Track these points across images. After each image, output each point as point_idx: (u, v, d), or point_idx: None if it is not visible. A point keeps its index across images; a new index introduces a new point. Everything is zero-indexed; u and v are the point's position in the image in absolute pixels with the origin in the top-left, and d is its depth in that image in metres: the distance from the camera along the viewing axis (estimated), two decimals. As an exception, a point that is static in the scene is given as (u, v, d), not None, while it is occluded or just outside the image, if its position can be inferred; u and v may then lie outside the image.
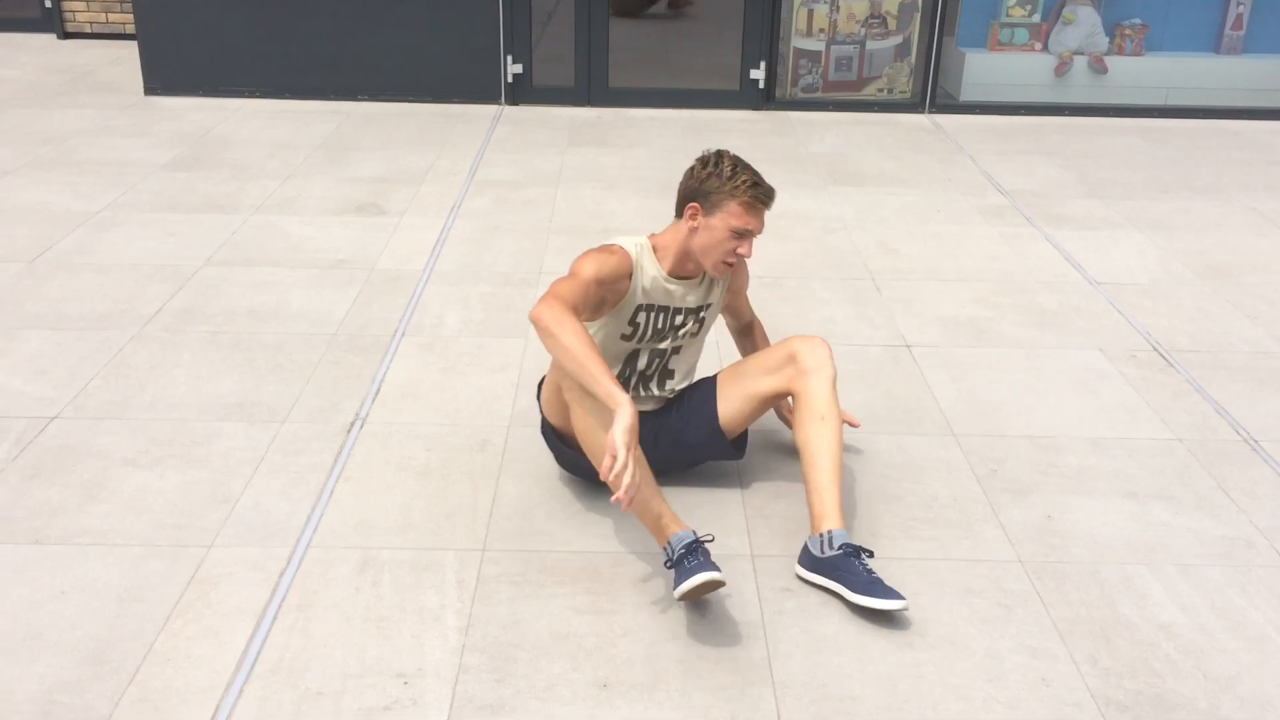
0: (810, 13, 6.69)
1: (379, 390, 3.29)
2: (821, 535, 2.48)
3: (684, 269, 2.68)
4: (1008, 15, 6.80)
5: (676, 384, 2.84)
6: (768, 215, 2.64)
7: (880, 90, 6.84)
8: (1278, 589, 2.53)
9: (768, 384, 2.74)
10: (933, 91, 6.80)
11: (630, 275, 2.61)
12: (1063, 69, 6.81)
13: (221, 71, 6.58)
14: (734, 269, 2.74)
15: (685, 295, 2.71)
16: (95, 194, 4.88)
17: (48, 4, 8.03)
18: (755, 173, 2.59)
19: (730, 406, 2.78)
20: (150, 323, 3.67)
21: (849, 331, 3.80)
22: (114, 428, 3.02)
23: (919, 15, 6.70)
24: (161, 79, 6.58)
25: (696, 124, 6.46)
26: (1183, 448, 3.11)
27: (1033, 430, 3.19)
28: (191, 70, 6.57)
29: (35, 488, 2.74)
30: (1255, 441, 3.15)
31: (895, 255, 4.49)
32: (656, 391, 2.82)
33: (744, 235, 2.56)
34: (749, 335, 3.09)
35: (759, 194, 2.56)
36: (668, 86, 7.01)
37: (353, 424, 3.10)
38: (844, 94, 6.84)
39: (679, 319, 2.72)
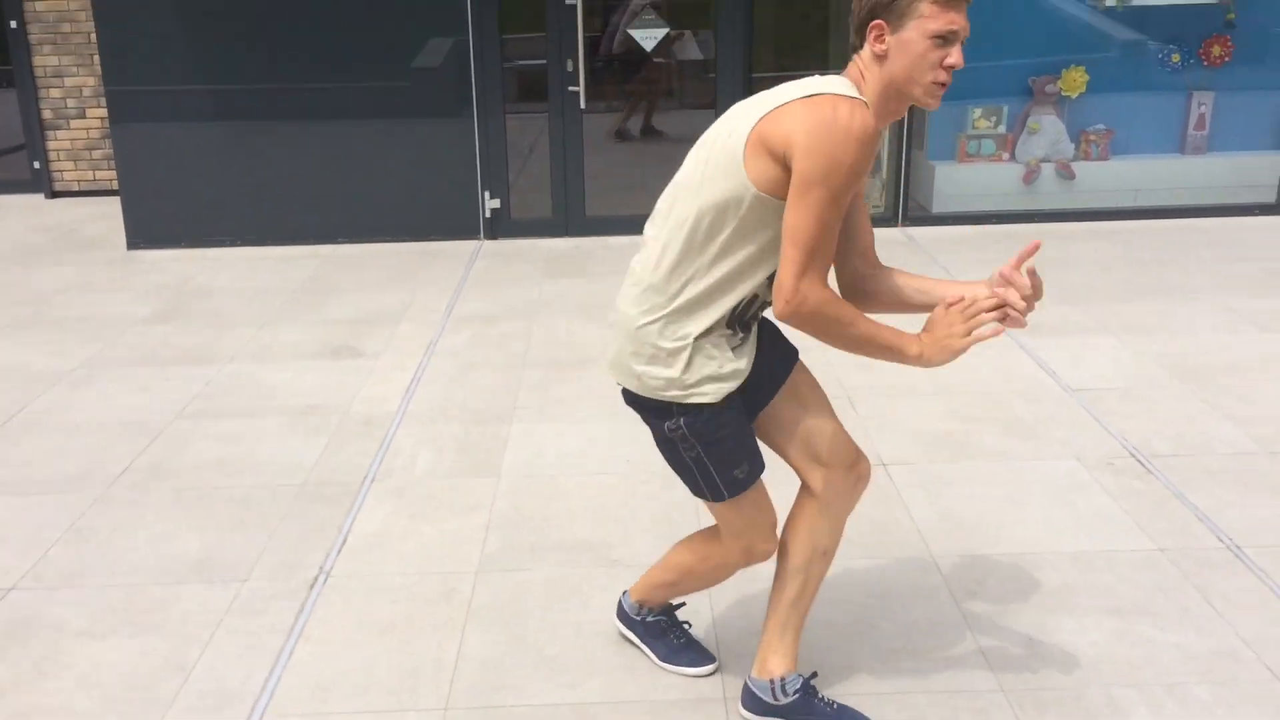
0: (779, 135, 6.81)
1: (345, 541, 3.24)
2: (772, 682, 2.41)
3: (883, 121, 2.09)
4: (974, 127, 6.93)
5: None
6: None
7: (853, 206, 6.92)
8: (1267, 706, 2.43)
9: (795, 452, 2.33)
10: (905, 204, 6.89)
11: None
12: (1031, 177, 6.91)
13: (203, 222, 6.70)
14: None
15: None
16: (72, 351, 4.91)
17: (37, 165, 8.22)
18: None
19: (769, 423, 2.34)
20: (115, 483, 3.63)
21: (824, 453, 3.75)
22: (71, 597, 2.96)
23: (887, 130, 6.83)
24: (144, 233, 6.69)
25: (673, 249, 6.52)
26: (1164, 558, 3.04)
27: (1013, 547, 3.12)
28: (173, 223, 6.68)
29: (-14, 665, 2.68)
30: (1238, 548, 3.08)
31: (870, 370, 4.47)
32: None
33: (949, 39, 1.98)
34: (871, 276, 2.34)
35: None
36: (646, 212, 7.10)
37: (316, 579, 3.04)
38: (818, 211, 6.91)
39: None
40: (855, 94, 2.01)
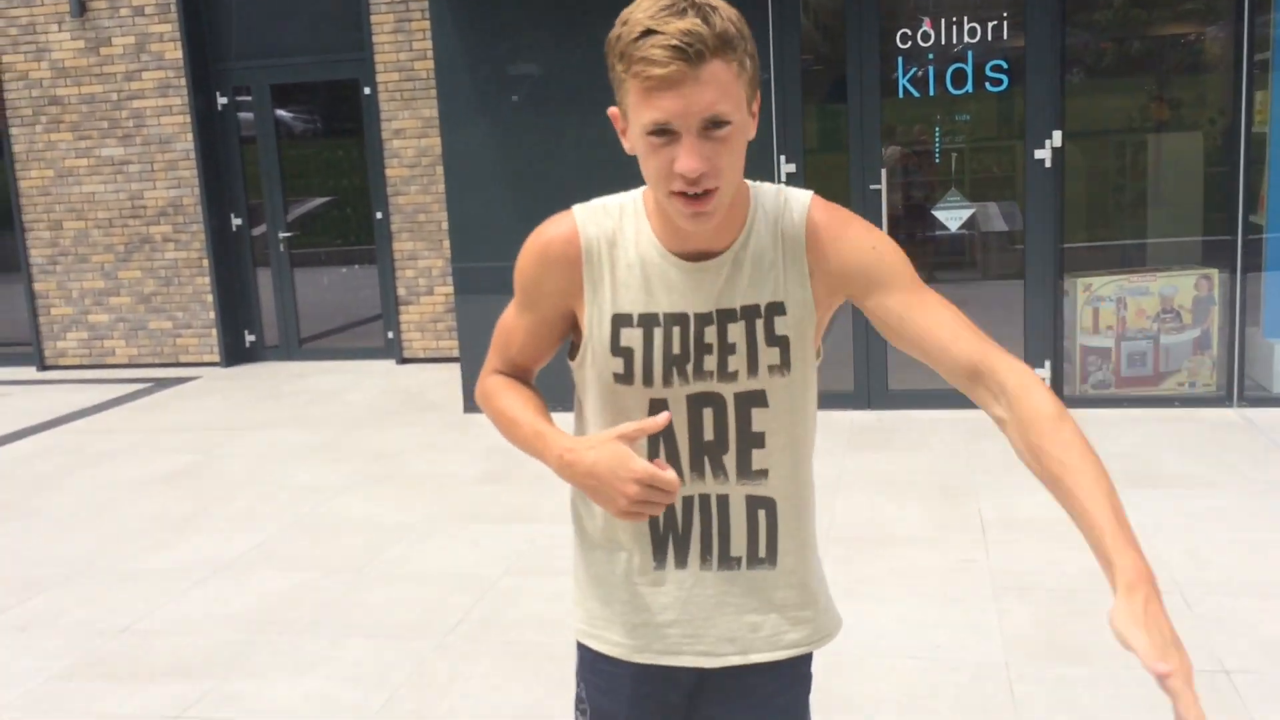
0: (1095, 311, 6.62)
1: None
2: None
3: (689, 239, 1.56)
4: (1318, 300, 6.44)
5: (772, 464, 1.64)
6: (700, 94, 1.39)
7: (1180, 385, 6.55)
8: None
9: None
10: (1240, 384, 6.43)
11: (579, 257, 1.59)
12: (1391, 354, 6.29)
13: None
14: (829, 228, 1.57)
15: (712, 286, 1.57)
16: (415, 506, 5.42)
17: (390, 335, 9.27)
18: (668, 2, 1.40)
19: None
20: (452, 632, 3.95)
21: (1155, 653, 3.50)
22: (414, 737, 3.24)
23: (1215, 307, 6.47)
24: (479, 398, 7.34)
25: (980, 425, 6.40)
26: None
27: (1389, 779, 2.77)
28: (504, 389, 7.29)
29: (343, 795, 2.95)
30: None
31: (1207, 566, 4.16)
32: (732, 479, 1.64)
33: (663, 134, 1.42)
34: (1002, 404, 1.48)
35: (657, 49, 1.37)
36: (949, 387, 7.03)
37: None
38: (1140, 389, 6.60)
39: (709, 333, 1.58)
40: (615, 201, 1.63)
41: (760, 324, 1.59)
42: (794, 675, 1.75)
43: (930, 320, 1.53)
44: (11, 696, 3.60)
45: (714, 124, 1.42)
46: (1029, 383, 1.46)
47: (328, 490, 5.75)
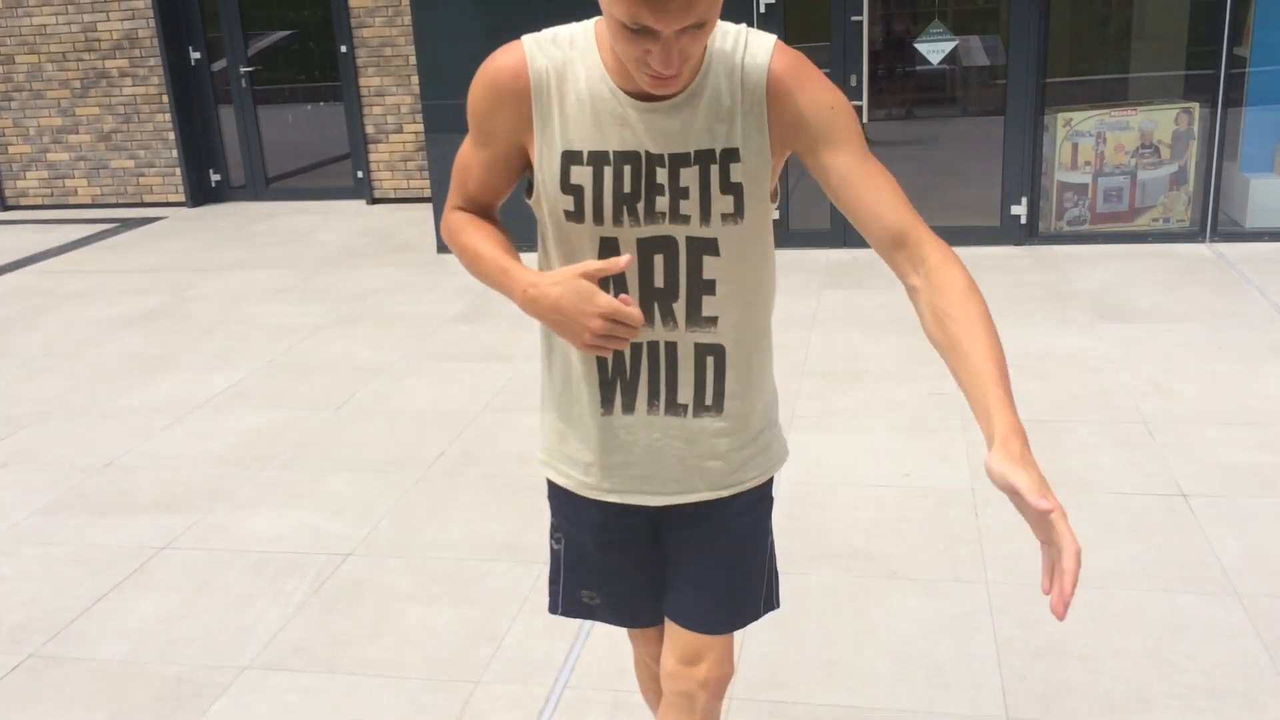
0: (1075, 146, 6.56)
1: (635, 534, 3.44)
2: None
3: (630, 78, 1.55)
4: (1296, 136, 6.40)
5: (722, 311, 1.64)
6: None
7: (1155, 220, 6.56)
8: None
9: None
10: (1214, 219, 6.45)
11: (528, 90, 1.56)
12: (1364, 189, 6.30)
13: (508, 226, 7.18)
14: (791, 79, 1.54)
15: (665, 127, 1.55)
16: (391, 345, 5.43)
17: (360, 174, 9.09)
18: None
19: None
20: (432, 466, 4.01)
21: (1117, 479, 3.62)
22: (398, 565, 3.32)
23: (1194, 142, 6.43)
24: (452, 238, 7.26)
25: (955, 262, 6.42)
26: None
27: (1331, 593, 2.91)
28: (478, 229, 7.21)
29: (331, 620, 3.05)
30: None
31: (1170, 396, 4.25)
32: (681, 327, 1.64)
33: (642, 33, 1.40)
34: (920, 274, 1.50)
35: None
36: (935, 223, 7.02)
37: (609, 567, 3.25)
38: (1114, 225, 6.61)
39: (660, 174, 1.56)
40: (565, 31, 1.58)
41: (715, 170, 1.56)
42: (753, 499, 1.80)
43: (870, 186, 1.53)
44: (-2, 531, 3.66)
45: (694, 26, 1.40)
46: (950, 258, 1.49)
47: (302, 330, 5.74)
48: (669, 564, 1.82)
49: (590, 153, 1.56)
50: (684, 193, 1.57)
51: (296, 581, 3.25)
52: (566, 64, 1.56)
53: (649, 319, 1.64)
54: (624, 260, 1.50)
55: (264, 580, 3.27)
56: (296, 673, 2.81)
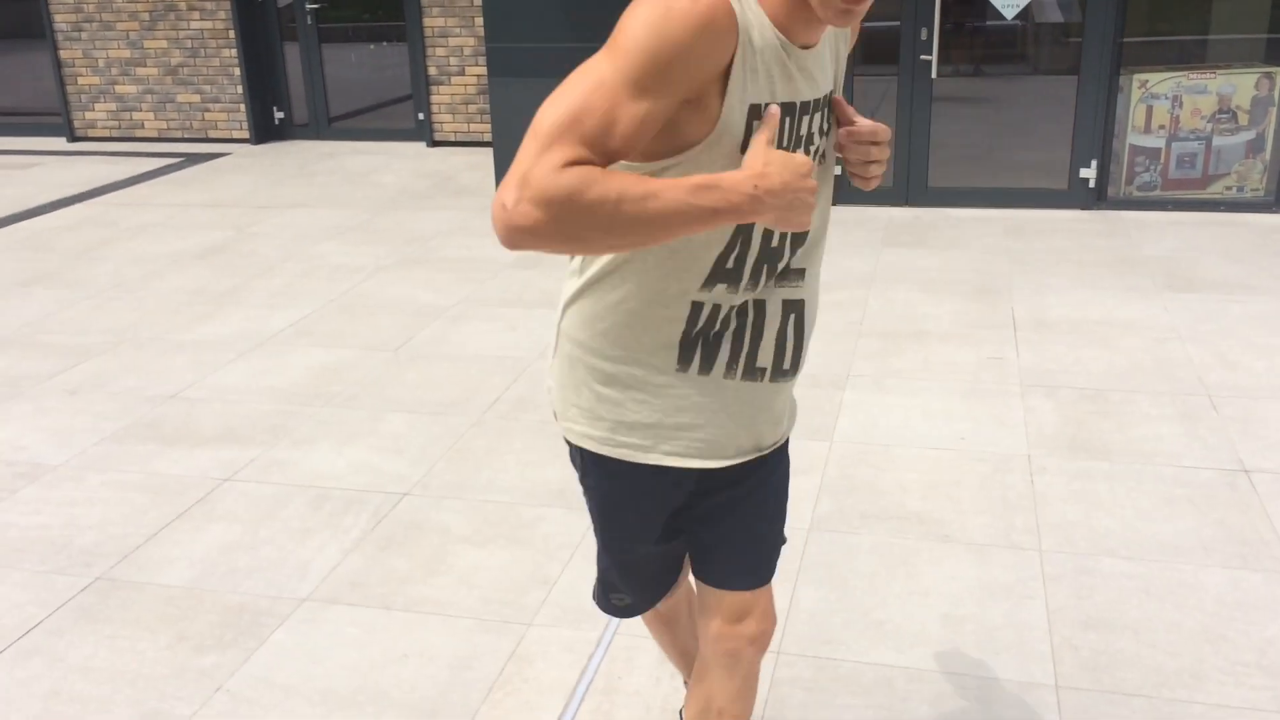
0: (1149, 109, 6.39)
1: (687, 486, 3.46)
2: None
3: (795, 25, 1.46)
4: (1383, 105, 6.18)
5: (809, 262, 1.63)
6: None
7: (1228, 189, 6.39)
8: None
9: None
10: (1290, 189, 6.27)
11: (738, 33, 1.40)
12: None
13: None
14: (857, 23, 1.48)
15: (812, 76, 1.51)
16: (450, 289, 5.46)
17: (421, 116, 9.10)
18: None
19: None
20: (489, 410, 4.05)
21: (1178, 451, 3.57)
22: (454, 506, 3.37)
23: (1274, 109, 6.24)
24: (511, 183, 7.26)
25: (1019, 224, 6.31)
26: None
27: (1395, 577, 2.86)
28: (537, 175, 7.19)
29: (387, 557, 3.11)
30: None
31: (1236, 369, 4.17)
32: (772, 283, 1.60)
33: None
34: None
35: None
36: (990, 185, 6.91)
37: (661, 517, 3.28)
38: (1186, 192, 6.45)
39: (804, 123, 1.52)
40: None
41: (825, 114, 1.54)
42: (781, 454, 1.81)
43: None
44: (68, 455, 3.77)
45: None
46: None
47: (362, 270, 5.80)
48: (703, 530, 1.78)
49: (768, 106, 1.45)
50: (810, 139, 1.54)
51: (354, 518, 3.32)
52: (743, 9, 1.41)
53: (755, 281, 1.57)
54: (775, 110, 1.43)
55: (322, 516, 3.34)
56: (353, 606, 2.87)
